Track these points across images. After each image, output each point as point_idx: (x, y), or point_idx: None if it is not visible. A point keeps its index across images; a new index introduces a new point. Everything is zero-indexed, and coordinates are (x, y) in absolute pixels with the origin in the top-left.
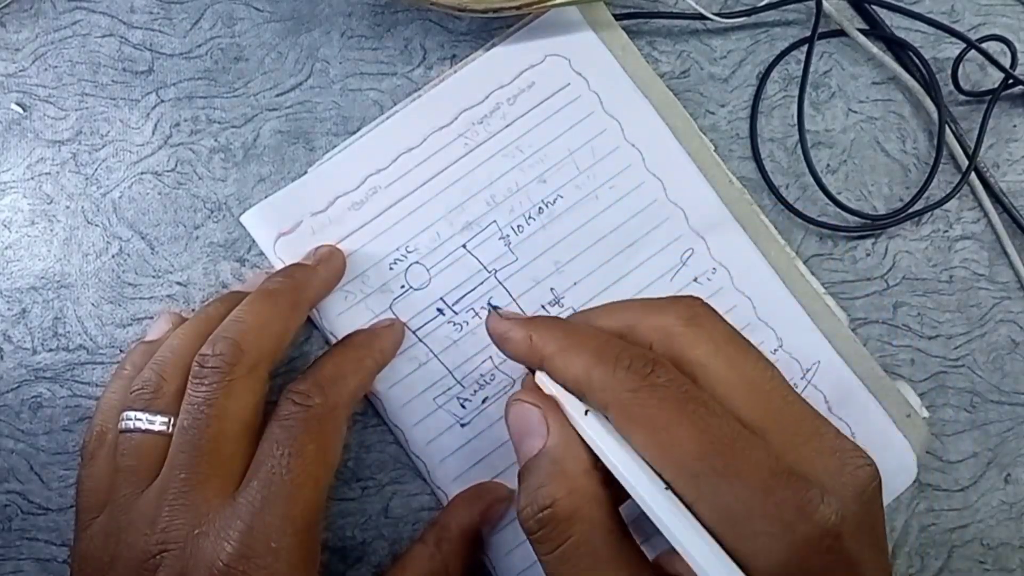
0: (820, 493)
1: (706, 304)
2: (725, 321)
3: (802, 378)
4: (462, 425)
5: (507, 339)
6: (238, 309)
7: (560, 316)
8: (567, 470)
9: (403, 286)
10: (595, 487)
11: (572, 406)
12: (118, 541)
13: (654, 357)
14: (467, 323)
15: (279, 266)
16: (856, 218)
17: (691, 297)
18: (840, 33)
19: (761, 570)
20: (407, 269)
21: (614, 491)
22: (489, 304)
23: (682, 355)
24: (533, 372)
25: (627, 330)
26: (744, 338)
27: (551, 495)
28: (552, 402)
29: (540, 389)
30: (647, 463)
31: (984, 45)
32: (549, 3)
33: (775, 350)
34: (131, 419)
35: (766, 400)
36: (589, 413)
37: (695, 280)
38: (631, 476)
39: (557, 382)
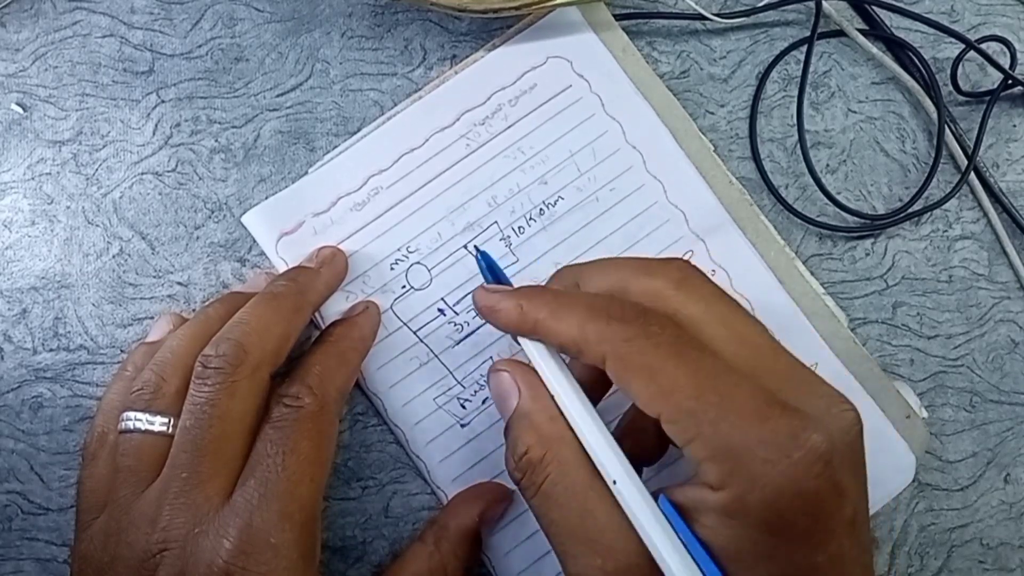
0: (811, 424)
1: (694, 266)
2: (713, 282)
3: None
4: (462, 425)
5: (497, 310)
6: (242, 311)
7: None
8: (535, 420)
9: (404, 286)
10: (561, 430)
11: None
12: (118, 541)
13: (645, 308)
14: (468, 323)
15: (281, 266)
16: (855, 218)
17: (679, 260)
18: (840, 33)
19: (760, 495)
20: (408, 269)
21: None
22: (476, 249)
23: (675, 315)
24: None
25: (618, 292)
26: (732, 298)
27: (524, 443)
28: (522, 366)
29: (514, 359)
30: (644, 407)
31: (983, 45)
32: (549, 4)
33: None
34: (131, 420)
35: (757, 351)
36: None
37: None
38: (586, 429)
39: (552, 344)
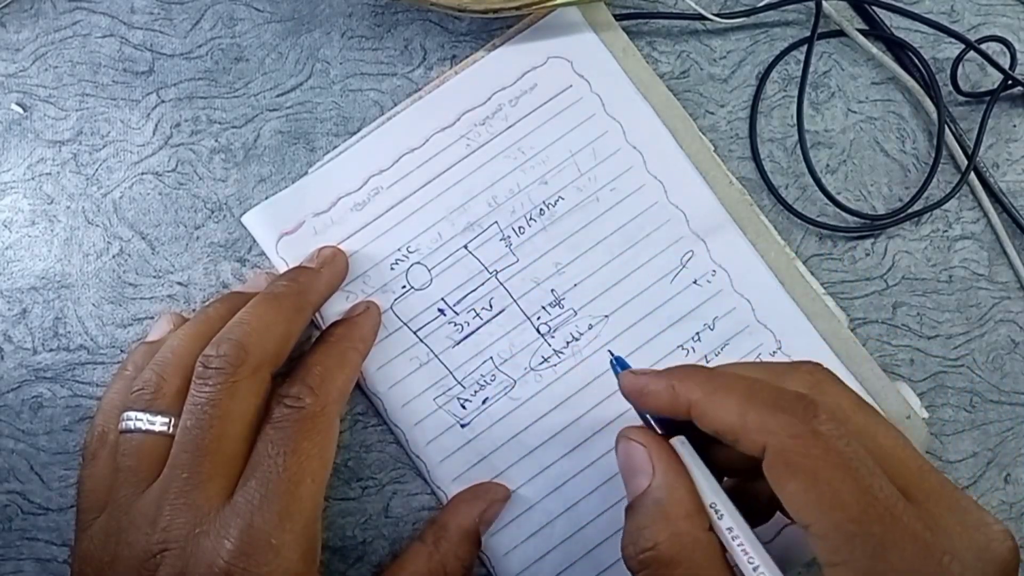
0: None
1: (826, 369)
2: (846, 385)
3: None
4: (462, 426)
5: (647, 393)
6: (242, 312)
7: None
8: (670, 513)
9: (404, 286)
10: (698, 532)
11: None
12: (119, 541)
13: (811, 399)
14: (468, 323)
15: (281, 266)
16: (855, 218)
17: (810, 363)
18: (840, 33)
19: None
20: (408, 269)
21: (719, 537)
22: (611, 355)
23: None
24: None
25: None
26: (869, 405)
27: (653, 538)
28: (661, 443)
29: (651, 428)
30: (793, 512)
31: (983, 46)
32: (549, 4)
33: (774, 352)
34: (131, 419)
35: (904, 468)
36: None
37: (695, 282)
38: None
39: (706, 428)
